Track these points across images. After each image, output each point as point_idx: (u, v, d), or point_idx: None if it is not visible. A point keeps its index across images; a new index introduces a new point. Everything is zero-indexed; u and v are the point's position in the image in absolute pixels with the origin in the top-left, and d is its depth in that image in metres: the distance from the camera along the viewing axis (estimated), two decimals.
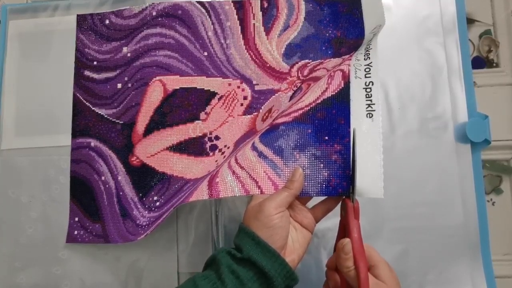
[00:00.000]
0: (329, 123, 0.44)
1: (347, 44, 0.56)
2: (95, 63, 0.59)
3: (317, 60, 0.56)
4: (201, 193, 0.44)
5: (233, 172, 0.44)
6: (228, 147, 0.54)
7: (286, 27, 0.57)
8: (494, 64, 0.62)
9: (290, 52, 0.57)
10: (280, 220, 0.39)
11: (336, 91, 0.45)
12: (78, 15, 0.60)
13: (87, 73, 0.59)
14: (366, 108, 0.43)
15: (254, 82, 0.56)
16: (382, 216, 0.54)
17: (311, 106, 0.45)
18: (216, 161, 0.54)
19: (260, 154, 0.44)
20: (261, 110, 0.55)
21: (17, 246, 0.56)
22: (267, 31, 0.57)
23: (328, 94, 0.45)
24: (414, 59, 0.57)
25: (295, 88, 0.54)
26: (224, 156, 0.53)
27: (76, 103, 0.58)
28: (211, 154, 0.54)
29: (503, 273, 0.56)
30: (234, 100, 0.56)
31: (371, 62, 0.45)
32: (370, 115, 0.43)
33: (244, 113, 0.55)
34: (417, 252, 0.53)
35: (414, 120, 0.56)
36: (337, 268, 0.40)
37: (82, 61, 0.59)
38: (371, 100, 0.44)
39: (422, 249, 0.53)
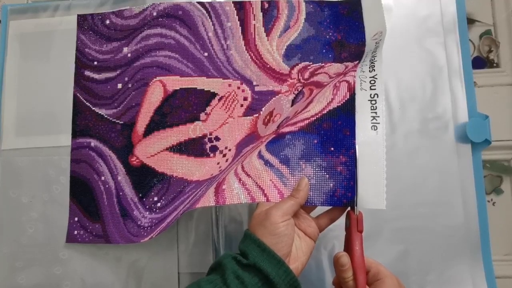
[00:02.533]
0: (335, 134, 0.45)
1: (348, 48, 0.56)
2: (95, 63, 0.59)
3: (318, 63, 0.56)
4: (207, 200, 0.45)
5: (240, 180, 0.44)
6: (230, 149, 0.54)
7: (286, 28, 0.57)
8: (495, 64, 0.62)
9: (291, 53, 0.56)
10: (286, 228, 0.39)
11: (342, 103, 0.46)
12: (78, 15, 0.60)
13: (87, 73, 0.59)
14: (371, 120, 0.44)
15: (254, 83, 0.56)
16: (383, 216, 0.54)
17: (317, 116, 0.46)
18: (218, 163, 0.54)
19: (267, 163, 0.44)
20: (261, 112, 0.55)
21: (17, 246, 0.56)
22: (268, 32, 0.57)
23: (334, 105, 0.46)
24: (415, 59, 0.57)
25: (296, 92, 0.55)
26: (227, 159, 0.53)
27: (76, 103, 0.58)
28: (211, 155, 0.54)
29: (504, 273, 0.57)
30: (234, 101, 0.56)
31: (376, 74, 0.46)
32: (375, 127, 0.44)
33: (244, 114, 0.55)
34: (418, 252, 0.53)
35: (415, 120, 0.56)
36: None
37: (82, 61, 0.59)
38: (376, 112, 0.44)
39: (422, 249, 0.53)
